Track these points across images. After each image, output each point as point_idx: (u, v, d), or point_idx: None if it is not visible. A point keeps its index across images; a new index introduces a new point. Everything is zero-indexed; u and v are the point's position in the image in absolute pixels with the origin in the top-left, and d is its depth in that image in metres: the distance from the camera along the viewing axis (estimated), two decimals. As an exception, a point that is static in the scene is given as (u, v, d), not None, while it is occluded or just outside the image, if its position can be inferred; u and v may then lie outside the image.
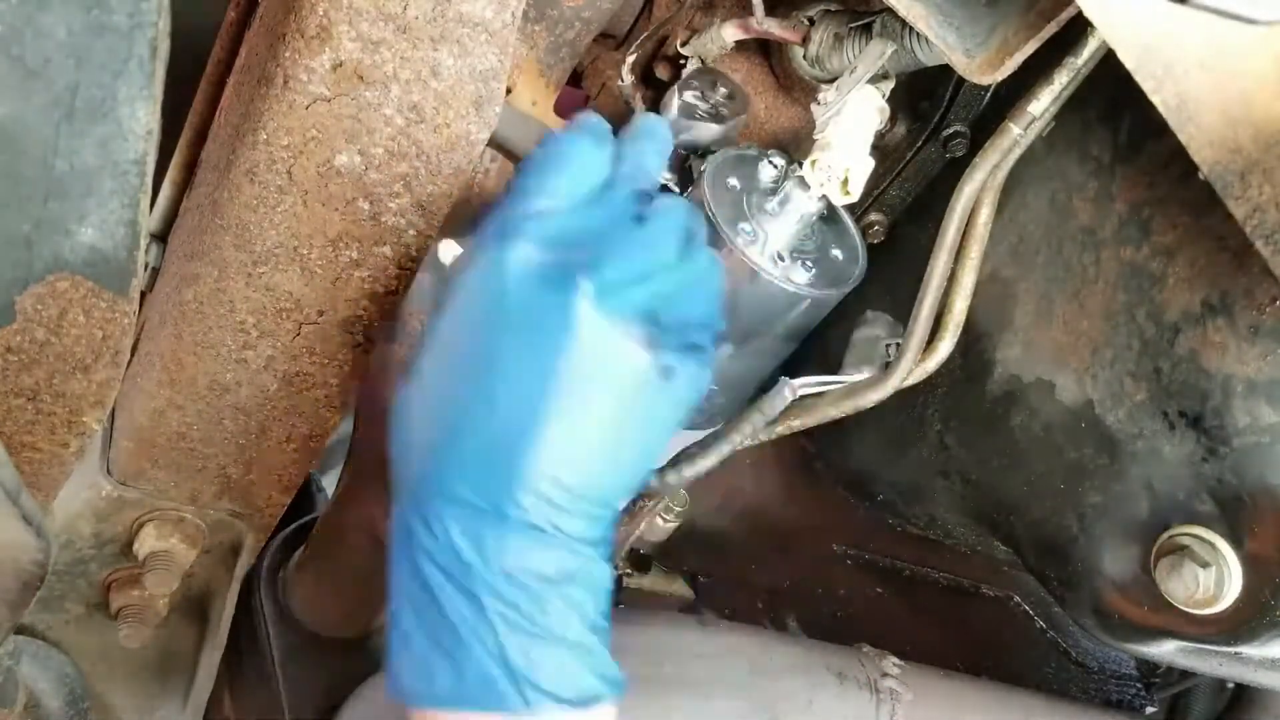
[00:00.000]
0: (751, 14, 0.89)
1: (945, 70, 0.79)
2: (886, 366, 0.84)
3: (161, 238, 0.95)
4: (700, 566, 1.24)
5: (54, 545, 0.54)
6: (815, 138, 0.84)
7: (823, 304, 0.88)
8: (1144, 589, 0.72)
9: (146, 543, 0.92)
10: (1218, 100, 0.56)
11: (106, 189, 0.48)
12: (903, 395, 0.83)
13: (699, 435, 0.91)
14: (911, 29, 0.78)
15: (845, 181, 0.82)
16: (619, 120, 0.74)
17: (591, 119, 0.68)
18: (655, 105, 1.18)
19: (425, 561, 0.55)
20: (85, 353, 0.52)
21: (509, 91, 0.96)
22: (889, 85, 0.86)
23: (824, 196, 0.84)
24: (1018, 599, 1.03)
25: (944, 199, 0.80)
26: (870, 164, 0.84)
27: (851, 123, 0.82)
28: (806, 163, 0.84)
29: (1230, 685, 1.13)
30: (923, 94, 0.91)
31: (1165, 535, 0.70)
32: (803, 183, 0.84)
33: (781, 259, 0.87)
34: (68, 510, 0.90)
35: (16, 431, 0.53)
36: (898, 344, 0.84)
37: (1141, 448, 0.72)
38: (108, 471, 0.89)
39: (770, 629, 1.18)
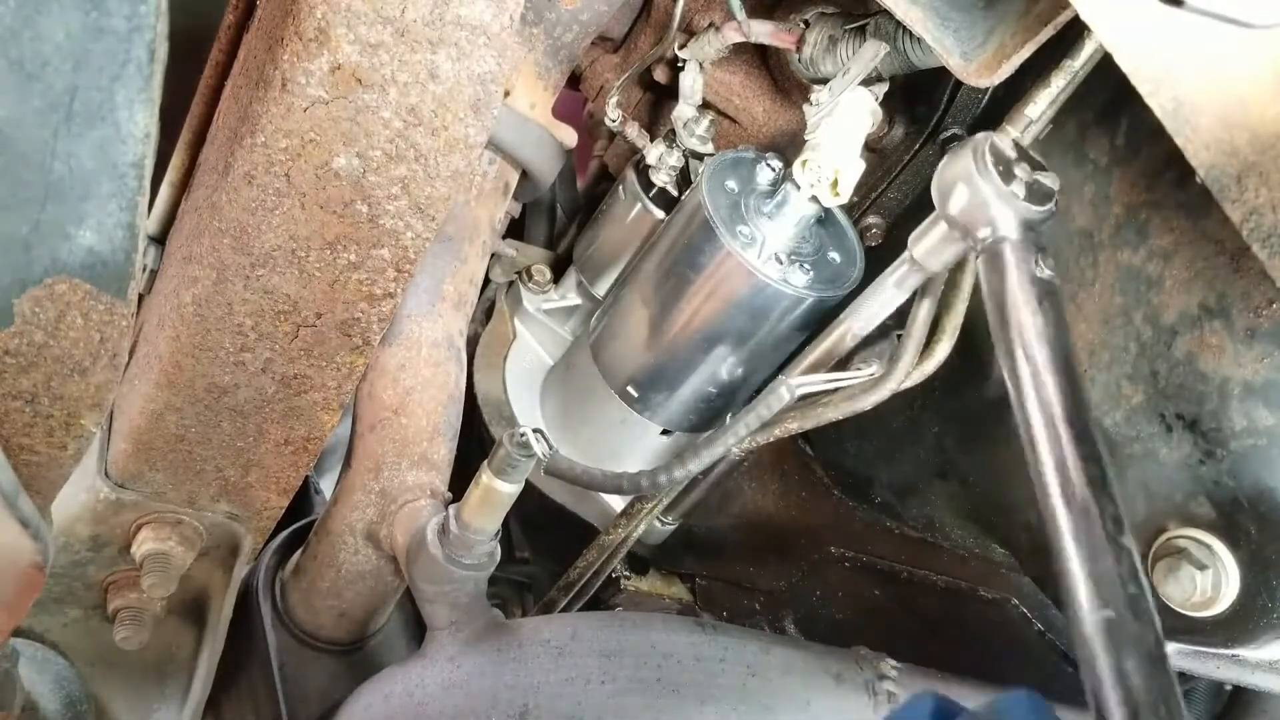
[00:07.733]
0: (750, 17, 0.89)
1: (943, 73, 0.80)
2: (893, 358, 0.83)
3: (160, 240, 0.95)
4: (698, 568, 1.24)
5: (52, 548, 0.54)
6: (806, 138, 0.84)
7: (821, 306, 0.88)
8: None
9: (144, 545, 0.92)
10: (1214, 103, 0.56)
11: (104, 192, 0.48)
12: (901, 397, 0.83)
13: (697, 436, 0.91)
14: (905, 31, 0.79)
15: (835, 183, 0.82)
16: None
17: None
18: (652, 113, 1.18)
19: None
20: (83, 355, 0.52)
21: (507, 94, 0.96)
22: (882, 88, 0.86)
23: (814, 198, 0.84)
24: (1015, 601, 1.03)
25: (941, 202, 0.80)
26: (861, 166, 0.84)
27: (843, 124, 0.82)
28: (797, 163, 0.84)
29: (1228, 687, 1.13)
30: (920, 97, 0.91)
31: (1162, 538, 0.71)
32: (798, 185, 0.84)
33: (780, 261, 0.87)
34: (65, 513, 0.90)
35: (14, 434, 0.53)
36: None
37: (1139, 450, 0.72)
38: (105, 474, 0.89)
39: (768, 631, 1.17)
